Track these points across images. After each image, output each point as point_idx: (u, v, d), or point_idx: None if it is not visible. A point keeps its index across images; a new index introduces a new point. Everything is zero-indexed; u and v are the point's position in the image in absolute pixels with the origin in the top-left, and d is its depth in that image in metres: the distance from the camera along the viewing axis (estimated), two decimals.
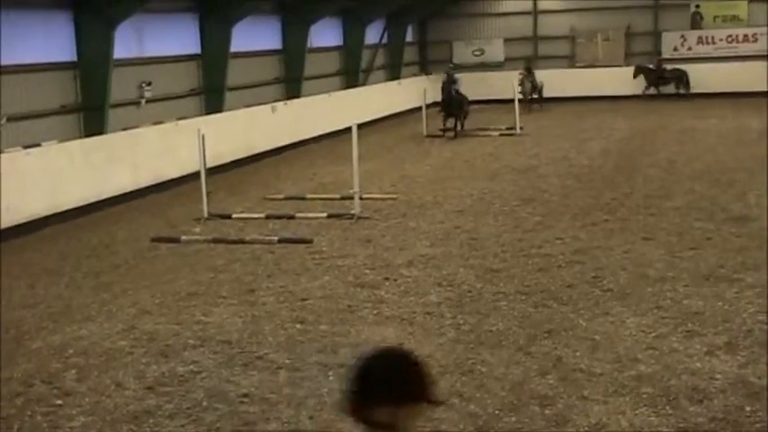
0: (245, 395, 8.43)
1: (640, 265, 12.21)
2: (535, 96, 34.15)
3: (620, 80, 36.28)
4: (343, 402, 3.55)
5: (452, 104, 27.43)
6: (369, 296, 11.40)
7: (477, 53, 39.28)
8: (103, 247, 14.93)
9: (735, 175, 18.61)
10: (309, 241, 14.44)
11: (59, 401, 8.52)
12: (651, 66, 35.47)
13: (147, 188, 19.46)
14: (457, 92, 27.61)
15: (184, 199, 18.62)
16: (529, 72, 34.32)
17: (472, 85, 31.90)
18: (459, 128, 27.53)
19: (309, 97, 28.40)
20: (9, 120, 17.93)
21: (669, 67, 35.53)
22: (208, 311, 11.06)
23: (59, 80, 19.54)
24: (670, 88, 35.30)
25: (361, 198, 16.42)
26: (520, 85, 32.69)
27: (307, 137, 26.83)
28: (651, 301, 10.64)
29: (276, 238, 14.69)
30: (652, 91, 35.36)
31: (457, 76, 28.34)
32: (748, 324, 9.72)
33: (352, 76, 32.97)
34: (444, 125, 27.40)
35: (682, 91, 35.02)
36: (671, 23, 36.93)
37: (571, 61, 38.26)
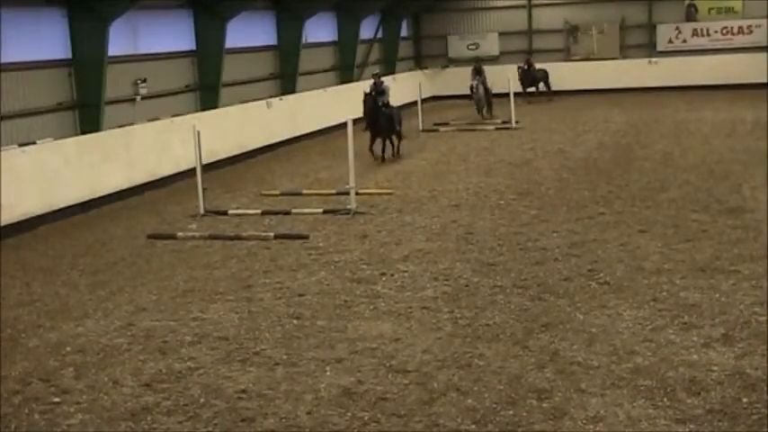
0: (243, 391, 8.44)
1: (636, 258, 12.22)
2: (532, 90, 34.21)
3: (615, 73, 36.30)
4: None
5: (380, 122, 21.71)
6: (365, 291, 11.40)
7: (472, 47, 39.29)
8: (100, 244, 14.92)
9: (730, 166, 18.64)
10: (306, 237, 14.44)
11: (57, 399, 8.51)
12: (523, 65, 34.69)
13: (143, 185, 19.46)
14: (386, 105, 22.01)
15: (180, 196, 18.62)
16: (528, 66, 34.24)
17: (467, 80, 31.89)
18: (392, 151, 22.37)
19: (304, 93, 28.39)
20: (4, 118, 17.91)
21: (538, 66, 35.23)
22: (204, 308, 11.06)
23: (54, 78, 19.52)
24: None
25: (357, 193, 16.42)
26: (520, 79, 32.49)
27: (302, 132, 26.83)
28: (647, 294, 10.65)
29: (272, 234, 14.68)
30: (531, 89, 34.75)
31: (386, 85, 22.73)
32: (745, 316, 9.74)
33: (346, 71, 32.96)
34: (371, 148, 21.86)
35: (544, 89, 35.07)
36: (665, 16, 36.94)
37: (566, 55, 38.26)
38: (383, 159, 21.80)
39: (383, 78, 22.96)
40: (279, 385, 8.53)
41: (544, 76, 35.04)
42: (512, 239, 13.65)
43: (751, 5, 35.64)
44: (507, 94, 27.79)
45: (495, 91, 31.09)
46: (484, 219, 15.18)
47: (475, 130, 27.26)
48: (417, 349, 9.27)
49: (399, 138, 22.55)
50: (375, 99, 21.74)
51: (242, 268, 12.87)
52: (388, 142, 22.24)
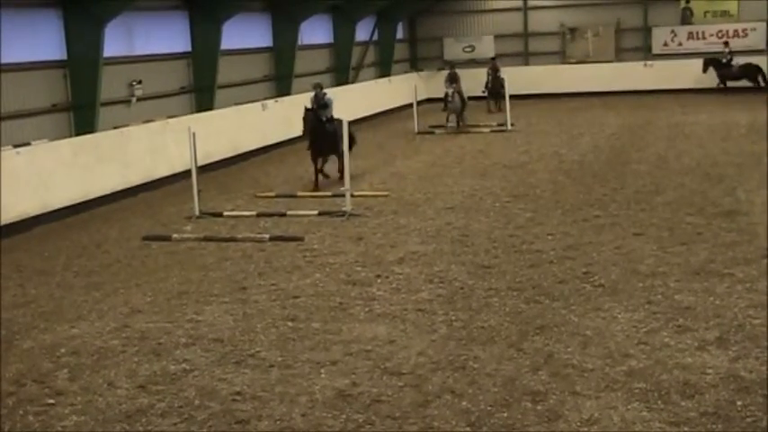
0: (238, 393, 8.43)
1: (631, 261, 12.24)
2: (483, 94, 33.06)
3: (610, 76, 36.35)
4: None
5: (323, 140, 18.86)
6: (360, 293, 11.40)
7: (468, 50, 39.32)
8: (94, 246, 14.90)
9: (724, 169, 18.67)
10: (301, 239, 14.43)
11: (51, 401, 8.50)
12: (491, 71, 33.26)
13: (138, 187, 19.43)
14: (330, 120, 19.32)
15: (175, 197, 18.60)
16: (495, 71, 32.75)
17: (462, 82, 31.88)
18: (338, 171, 19.03)
19: (300, 95, 28.35)
20: None
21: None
22: (199, 310, 11.05)
23: (49, 79, 19.50)
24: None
25: (352, 195, 16.42)
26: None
27: (297, 134, 26.72)
28: (642, 297, 10.66)
29: (267, 236, 14.68)
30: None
31: (329, 97, 19.83)
32: (739, 319, 9.75)
33: (342, 73, 32.97)
34: (316, 169, 19.17)
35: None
36: (661, 19, 36.99)
37: (561, 57, 38.30)
38: (324, 176, 19.30)
39: (325, 90, 20.09)
40: (273, 387, 8.52)
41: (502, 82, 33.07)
42: (507, 242, 13.65)
43: (746, 9, 35.71)
44: (503, 97, 27.83)
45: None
46: (479, 221, 15.18)
47: (470, 133, 27.27)
48: (412, 351, 9.27)
49: (341, 158, 18.41)
50: (317, 114, 19.06)
51: (237, 270, 12.86)
52: (324, 163, 19.49)
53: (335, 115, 19.33)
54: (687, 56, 36.12)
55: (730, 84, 34.40)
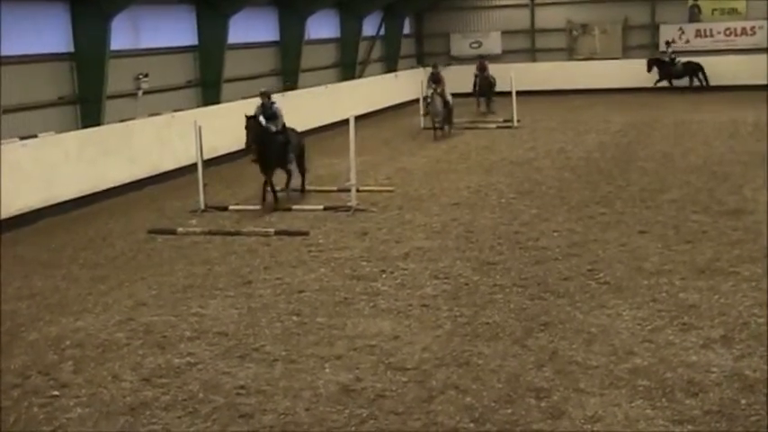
0: (242, 387, 8.44)
1: (636, 258, 12.22)
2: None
3: (617, 73, 36.28)
4: None
5: (271, 150, 16.80)
6: (365, 288, 11.40)
7: (475, 45, 39.26)
8: (100, 239, 14.93)
9: (730, 168, 18.63)
10: (306, 233, 14.44)
11: (56, 393, 8.52)
12: (478, 71, 31.88)
13: (144, 180, 19.45)
14: (281, 131, 17.17)
15: (181, 191, 18.62)
16: (483, 70, 31.38)
17: (469, 78, 31.88)
18: (290, 186, 17.67)
19: (306, 89, 28.38)
20: (5, 111, 17.91)
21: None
22: (204, 303, 11.07)
23: (56, 72, 19.52)
24: None
25: (357, 190, 16.42)
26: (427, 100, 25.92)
27: (303, 129, 26.72)
28: (647, 294, 10.65)
29: (272, 231, 14.69)
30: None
31: (278, 106, 17.48)
32: (744, 317, 9.74)
33: (348, 68, 32.95)
34: (264, 185, 16.90)
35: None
36: (669, 16, 36.90)
37: (568, 54, 38.23)
38: (275, 197, 16.87)
39: (273, 98, 17.67)
40: (278, 381, 8.53)
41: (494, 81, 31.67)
42: (512, 238, 13.65)
43: (754, 7, 35.59)
44: (509, 93, 27.76)
45: (496, 90, 31.03)
46: (484, 217, 15.18)
47: (476, 129, 27.25)
48: (416, 347, 9.28)
49: (303, 170, 17.86)
50: (262, 125, 16.88)
51: (242, 264, 12.87)
52: (270, 178, 17.00)
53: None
54: (695, 54, 36.04)
55: (675, 83, 35.07)
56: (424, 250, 13.17)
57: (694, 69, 35.03)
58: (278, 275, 12.18)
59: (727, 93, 33.21)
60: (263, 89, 18.08)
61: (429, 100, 25.45)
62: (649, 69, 34.91)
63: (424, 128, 27.38)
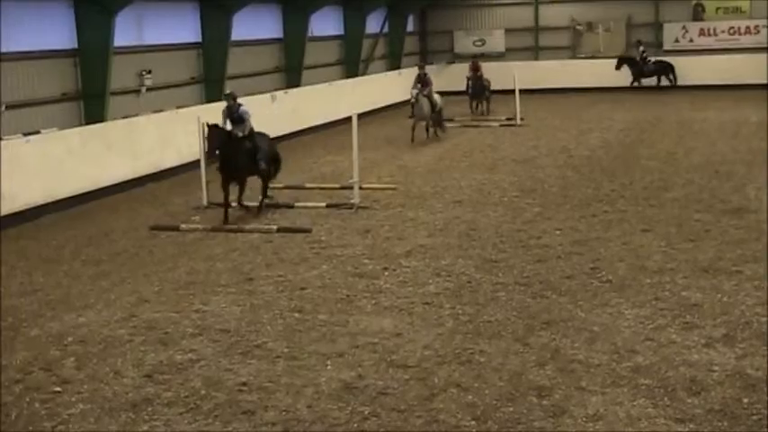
0: (244, 384, 8.45)
1: (639, 257, 12.22)
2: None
3: (621, 71, 36.21)
4: None
5: (237, 161, 15.47)
6: (367, 286, 11.40)
7: (479, 43, 39.24)
8: (102, 235, 14.93)
9: (733, 167, 18.61)
10: (308, 231, 14.44)
11: (58, 389, 8.53)
12: (471, 73, 30.68)
13: (147, 176, 19.46)
14: (248, 137, 15.79)
15: (183, 188, 18.63)
16: (476, 70, 30.11)
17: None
18: (248, 200, 16.07)
19: (309, 86, 28.38)
20: (9, 107, 17.92)
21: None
22: (206, 300, 11.07)
23: (59, 68, 19.52)
24: None
25: (360, 188, 16.41)
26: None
27: (306, 126, 26.81)
28: (649, 293, 10.65)
29: (275, 228, 14.69)
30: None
31: (244, 109, 15.86)
32: (746, 316, 9.73)
33: (352, 65, 32.94)
34: (226, 198, 15.49)
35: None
36: (672, 15, 36.88)
37: (572, 52, 38.20)
38: (226, 212, 15.34)
39: (240, 101, 16.14)
40: (279, 378, 8.54)
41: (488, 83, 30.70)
42: (514, 236, 13.64)
43: (758, 6, 35.56)
44: (513, 91, 27.73)
45: (499, 88, 30.95)
46: (487, 215, 15.17)
47: (479, 127, 27.24)
48: (418, 345, 9.28)
49: (266, 185, 16.29)
50: (226, 131, 15.59)
51: (244, 261, 12.88)
52: (242, 191, 15.80)
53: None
54: (698, 52, 36.00)
55: (645, 82, 35.16)
56: (426, 248, 13.17)
57: (665, 68, 35.22)
58: (280, 272, 12.18)
59: (730, 92, 33.15)
60: (227, 91, 16.92)
61: (413, 101, 24.13)
62: (618, 68, 34.90)
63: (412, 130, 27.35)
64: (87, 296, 11.45)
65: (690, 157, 20.20)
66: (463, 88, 30.92)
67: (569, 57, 38.04)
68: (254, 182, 16.21)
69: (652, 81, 35.45)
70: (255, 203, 16.11)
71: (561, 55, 38.02)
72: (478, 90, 30.20)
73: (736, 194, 15.93)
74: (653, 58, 35.37)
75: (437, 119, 25.00)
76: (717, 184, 16.88)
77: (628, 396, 7.84)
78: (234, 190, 15.62)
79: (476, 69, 30.34)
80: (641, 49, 35.25)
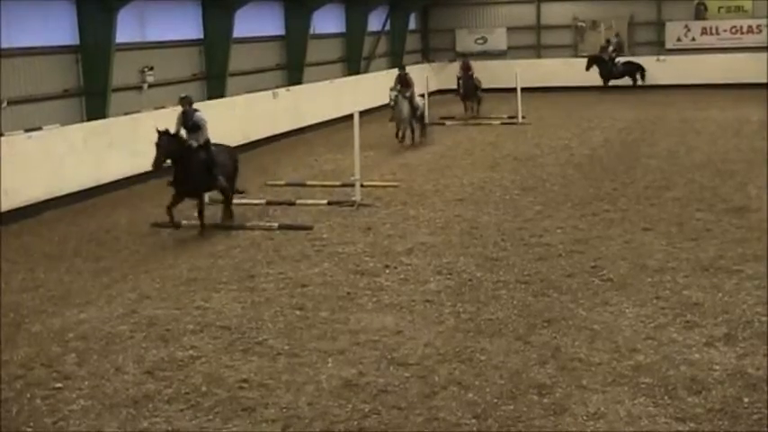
0: (244, 381, 8.45)
1: (640, 256, 12.21)
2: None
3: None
4: None
5: (192, 174, 13.99)
6: (368, 283, 11.41)
7: (480, 41, 39.23)
8: (104, 231, 14.94)
9: (735, 166, 18.60)
10: (309, 228, 14.44)
11: (59, 385, 8.54)
12: (461, 73, 29.79)
13: (148, 173, 19.33)
14: (203, 146, 14.29)
15: None
16: (467, 70, 29.09)
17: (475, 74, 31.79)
18: (223, 215, 15.11)
19: (311, 84, 28.37)
20: (10, 103, 17.93)
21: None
22: (207, 297, 11.08)
23: (61, 64, 19.53)
24: None
25: (361, 185, 16.42)
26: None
27: (308, 123, 26.81)
28: (650, 292, 10.65)
29: (276, 225, 14.69)
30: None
31: (201, 115, 14.50)
32: (747, 315, 9.73)
33: (354, 63, 32.93)
34: (171, 216, 14.00)
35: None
36: (674, 14, 36.87)
37: (574, 51, 38.18)
38: (173, 222, 14.01)
39: (196, 105, 14.90)
40: (280, 375, 8.54)
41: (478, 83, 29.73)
42: (515, 235, 13.64)
43: (760, 5, 35.53)
44: (514, 90, 27.72)
45: (500, 86, 30.93)
46: (488, 213, 15.17)
47: (480, 125, 27.23)
48: (419, 342, 9.28)
49: (228, 199, 14.95)
50: (181, 139, 14.14)
51: (245, 258, 12.88)
52: (202, 207, 14.49)
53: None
54: (700, 51, 35.99)
55: (613, 82, 35.12)
56: (427, 246, 13.17)
57: (634, 69, 35.25)
58: (281, 270, 12.18)
59: (732, 91, 33.13)
60: (182, 94, 15.05)
61: (393, 104, 22.68)
62: (588, 68, 34.77)
63: (429, 123, 27.29)
64: (89, 292, 11.46)
65: (691, 155, 20.19)
66: None
67: (571, 55, 38.01)
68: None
69: (626, 81, 35.45)
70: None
71: (563, 53, 37.99)
72: (470, 90, 29.26)
73: (738, 193, 15.92)
74: (622, 59, 35.28)
75: (419, 123, 23.61)
76: (718, 183, 16.87)
77: (628, 395, 7.85)
78: (185, 208, 14.65)
79: (466, 69, 29.37)
80: (611, 49, 35.16)
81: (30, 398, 8.28)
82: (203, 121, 14.45)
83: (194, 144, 14.21)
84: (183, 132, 14.37)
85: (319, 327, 9.87)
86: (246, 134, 23.50)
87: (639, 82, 35.21)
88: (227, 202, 15.05)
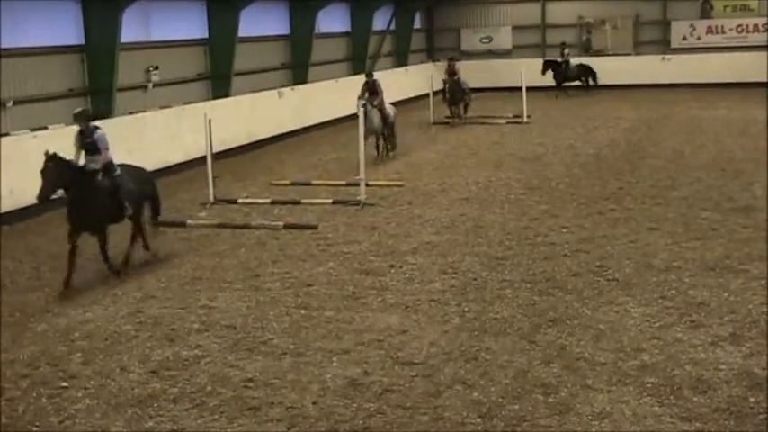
0: (249, 380, 8.46)
1: (646, 255, 12.19)
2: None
3: (628, 69, 36.18)
4: None
5: (90, 205, 11.94)
6: (373, 283, 11.40)
7: (485, 41, 39.21)
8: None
9: (741, 165, 18.57)
10: (315, 227, 14.45)
11: (64, 384, 8.55)
12: (448, 76, 28.11)
13: (153, 173, 19.36)
14: (106, 170, 12.15)
15: (190, 184, 18.64)
16: (452, 74, 27.35)
17: (479, 73, 31.80)
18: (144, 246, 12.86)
19: (316, 83, 28.38)
20: (16, 103, 17.96)
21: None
22: (213, 296, 11.08)
23: (67, 64, 19.56)
24: None
25: (366, 185, 16.41)
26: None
27: (313, 123, 26.83)
28: (656, 291, 10.63)
29: (281, 224, 14.70)
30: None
31: (101, 133, 12.22)
32: (753, 315, 9.71)
33: (358, 62, 32.93)
34: (71, 255, 11.75)
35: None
36: (680, 12, 36.82)
37: (580, 49, 38.11)
38: (69, 277, 11.65)
39: (97, 124, 12.71)
40: (285, 375, 8.54)
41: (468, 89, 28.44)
42: (521, 234, 13.63)
43: (766, 3, 35.44)
44: (519, 89, 27.69)
45: (506, 85, 30.88)
46: (493, 213, 15.16)
47: (485, 124, 27.21)
48: (424, 342, 9.28)
49: (138, 225, 12.72)
50: (76, 165, 12.00)
51: (250, 257, 12.89)
52: (142, 231, 12.80)
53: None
54: (706, 50, 35.92)
55: (567, 84, 34.93)
56: (432, 245, 13.16)
57: (586, 72, 35.25)
58: (286, 269, 12.19)
59: (738, 90, 33.04)
60: (77, 110, 12.85)
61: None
62: (544, 72, 34.52)
63: (434, 122, 27.33)
64: (94, 292, 11.47)
65: (697, 155, 20.16)
66: (473, 85, 30.77)
67: (576, 54, 37.94)
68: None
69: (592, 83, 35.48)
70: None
71: (569, 52, 37.88)
72: (456, 94, 27.47)
73: (744, 193, 15.89)
74: (574, 62, 35.21)
75: (390, 133, 21.43)
76: (724, 183, 16.84)
77: (633, 394, 7.84)
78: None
79: (452, 73, 27.48)
80: (566, 51, 35.02)
81: (36, 397, 8.30)
82: (104, 141, 12.03)
83: (94, 167, 11.95)
84: (82, 155, 12.12)
85: (324, 326, 9.87)
86: (251, 133, 23.54)
87: (591, 83, 35.21)
88: (139, 234, 12.70)
